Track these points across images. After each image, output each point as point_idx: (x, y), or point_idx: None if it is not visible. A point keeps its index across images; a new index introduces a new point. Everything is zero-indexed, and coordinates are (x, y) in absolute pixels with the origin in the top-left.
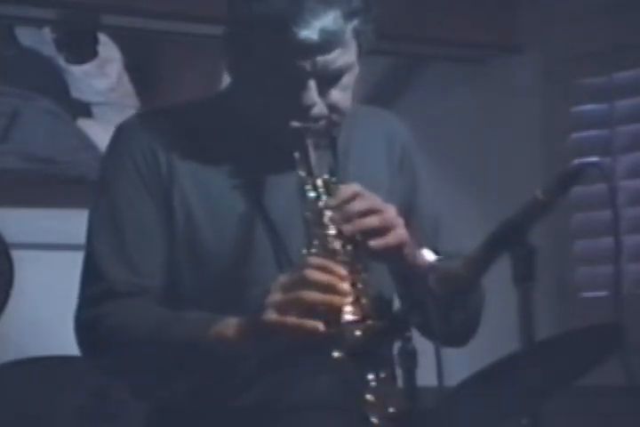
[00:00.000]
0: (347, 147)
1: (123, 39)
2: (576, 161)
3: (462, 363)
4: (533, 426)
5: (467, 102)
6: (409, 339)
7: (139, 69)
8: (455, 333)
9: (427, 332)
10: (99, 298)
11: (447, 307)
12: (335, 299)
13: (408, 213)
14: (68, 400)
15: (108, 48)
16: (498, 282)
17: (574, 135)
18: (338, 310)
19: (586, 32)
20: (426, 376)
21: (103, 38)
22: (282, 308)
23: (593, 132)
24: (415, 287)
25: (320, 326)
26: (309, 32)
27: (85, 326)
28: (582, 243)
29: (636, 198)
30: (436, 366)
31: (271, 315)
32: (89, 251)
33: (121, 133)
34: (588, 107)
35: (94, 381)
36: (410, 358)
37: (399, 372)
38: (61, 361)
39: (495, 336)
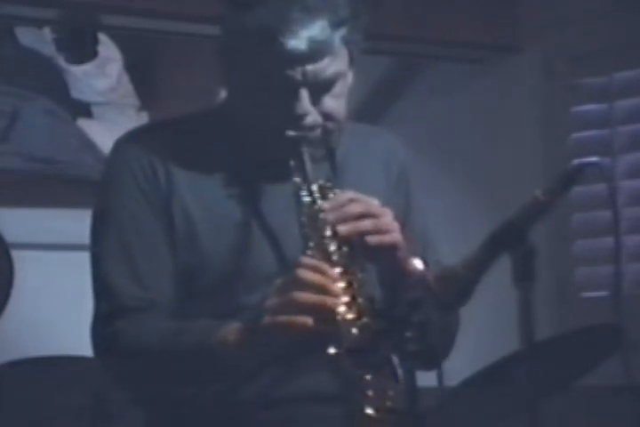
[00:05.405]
0: (344, 161)
1: (123, 39)
2: (576, 161)
3: (462, 363)
4: (533, 426)
5: (467, 102)
6: (409, 339)
7: (139, 69)
8: (428, 353)
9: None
10: (111, 315)
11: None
12: (328, 300)
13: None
14: (68, 400)
15: (107, 48)
16: (498, 282)
17: (574, 135)
18: (331, 311)
19: (586, 32)
20: (426, 376)
21: (103, 38)
22: (277, 310)
23: (593, 132)
24: (400, 294)
25: (309, 320)
26: (297, 42)
27: (102, 343)
28: (582, 243)
29: (636, 198)
30: None
31: (267, 318)
32: (96, 269)
33: (119, 150)
34: (588, 107)
35: (94, 381)
36: (410, 358)
37: (399, 372)
38: (61, 361)
39: (495, 336)
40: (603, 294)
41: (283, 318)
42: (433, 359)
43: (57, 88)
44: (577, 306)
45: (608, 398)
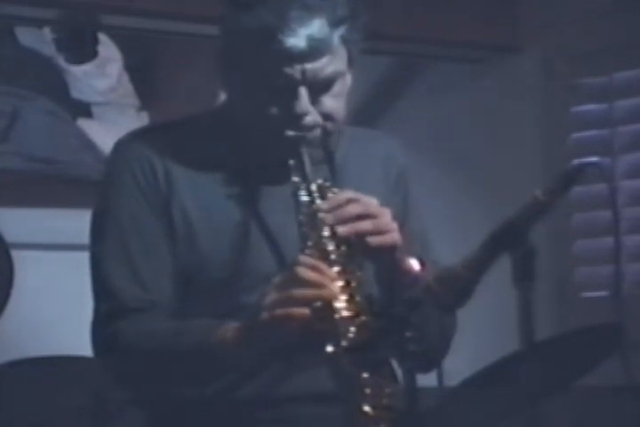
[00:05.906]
0: (343, 165)
1: (123, 39)
2: (576, 161)
3: (462, 363)
4: (533, 426)
5: (467, 102)
6: (409, 339)
7: (139, 69)
8: (426, 355)
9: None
10: (112, 316)
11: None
12: (325, 292)
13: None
14: (67, 400)
15: (107, 48)
16: (498, 282)
17: (574, 135)
18: (328, 303)
19: (586, 32)
20: (426, 376)
21: (103, 38)
22: (275, 307)
23: (593, 132)
24: (397, 293)
25: (307, 311)
26: (296, 40)
27: (102, 343)
28: (582, 243)
29: (636, 198)
30: None
31: (264, 314)
32: (96, 270)
33: (119, 150)
34: (588, 107)
35: (94, 381)
36: (410, 358)
37: (399, 372)
38: (61, 361)
39: (495, 336)
40: (603, 294)
41: (280, 312)
42: (430, 361)
43: (57, 88)
44: (577, 306)
45: (608, 398)
